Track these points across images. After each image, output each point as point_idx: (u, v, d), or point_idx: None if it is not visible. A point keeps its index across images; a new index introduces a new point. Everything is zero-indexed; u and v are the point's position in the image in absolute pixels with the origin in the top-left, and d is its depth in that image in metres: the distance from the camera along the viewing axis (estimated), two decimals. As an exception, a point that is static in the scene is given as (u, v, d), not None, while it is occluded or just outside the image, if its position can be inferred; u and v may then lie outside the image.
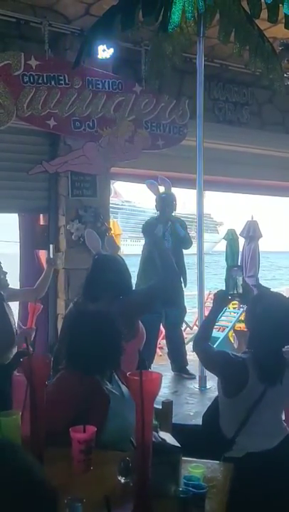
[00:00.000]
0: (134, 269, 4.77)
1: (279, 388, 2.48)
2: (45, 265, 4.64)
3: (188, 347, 5.43)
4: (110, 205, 6.25)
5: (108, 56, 5.35)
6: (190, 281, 5.56)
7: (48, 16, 5.25)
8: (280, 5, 4.37)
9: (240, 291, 2.74)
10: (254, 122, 7.07)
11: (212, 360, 2.66)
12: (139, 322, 3.04)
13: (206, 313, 4.12)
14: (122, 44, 5.46)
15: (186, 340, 5.81)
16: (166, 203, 5.48)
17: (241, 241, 7.81)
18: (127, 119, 5.66)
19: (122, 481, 1.79)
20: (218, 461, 2.15)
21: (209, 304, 5.91)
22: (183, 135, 5.95)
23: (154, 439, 1.80)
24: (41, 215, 5.95)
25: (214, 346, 3.04)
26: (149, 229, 3.14)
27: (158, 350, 5.98)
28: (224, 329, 7.05)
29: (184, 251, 5.54)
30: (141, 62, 5.77)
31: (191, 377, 5.23)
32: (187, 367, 5.41)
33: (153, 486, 1.65)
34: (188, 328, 7.31)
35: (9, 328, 3.69)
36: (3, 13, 5.19)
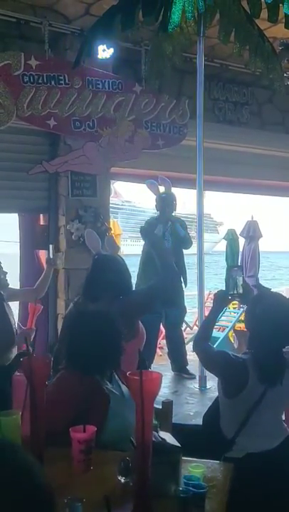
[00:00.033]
0: (134, 269, 4.76)
1: (279, 389, 2.48)
2: (45, 265, 4.65)
3: (189, 347, 5.43)
4: (110, 205, 6.25)
5: (108, 56, 5.34)
6: (190, 281, 5.56)
7: (48, 16, 5.25)
8: (280, 5, 4.37)
9: (241, 291, 2.74)
10: (254, 122, 7.07)
11: (212, 360, 2.66)
12: (139, 322, 3.04)
13: (206, 313, 4.12)
14: (122, 44, 5.46)
15: (186, 340, 5.81)
16: (166, 203, 5.48)
17: (241, 241, 7.81)
18: (127, 119, 5.66)
19: (122, 481, 1.79)
20: (218, 461, 2.15)
21: (209, 304, 5.91)
22: (183, 135, 5.95)
23: (154, 439, 1.80)
24: (41, 215, 5.95)
25: (214, 346, 3.04)
26: (146, 231, 3.13)
27: (158, 350, 5.98)
28: (224, 329, 7.05)
29: (184, 251, 5.54)
30: (141, 62, 5.77)
31: (191, 377, 5.23)
32: (187, 367, 5.41)
33: (153, 486, 1.64)
34: (188, 328, 7.31)
35: (9, 328, 3.69)
36: (3, 13, 5.19)
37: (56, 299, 5.74)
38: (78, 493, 1.63)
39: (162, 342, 6.25)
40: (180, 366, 5.44)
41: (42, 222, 5.95)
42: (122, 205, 53.58)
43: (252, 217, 7.88)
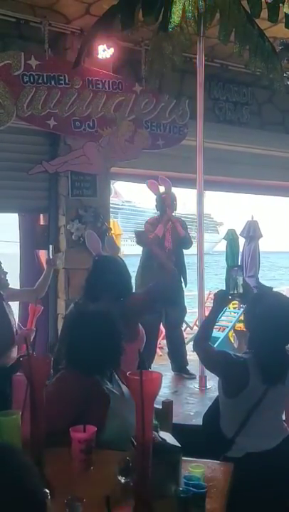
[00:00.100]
0: (134, 269, 4.77)
1: (280, 388, 2.48)
2: (45, 265, 4.65)
3: (189, 347, 5.43)
4: (110, 205, 6.25)
5: (108, 56, 5.35)
6: (190, 281, 5.56)
7: (48, 16, 5.25)
8: (280, 4, 4.37)
9: (241, 291, 2.74)
10: (254, 122, 7.07)
11: (213, 360, 2.66)
12: (139, 325, 3.04)
13: (206, 313, 4.12)
14: (122, 44, 5.46)
15: (186, 340, 5.81)
16: (166, 203, 5.48)
17: (241, 241, 7.81)
18: (127, 119, 5.65)
19: (122, 481, 1.79)
20: (218, 461, 2.15)
21: (209, 303, 5.91)
22: (183, 135, 5.95)
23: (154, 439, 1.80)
24: (41, 215, 5.95)
25: (214, 346, 3.04)
26: (140, 237, 3.13)
27: (158, 350, 5.98)
28: (224, 329, 7.05)
29: (184, 251, 5.54)
30: (141, 62, 5.77)
31: (191, 377, 5.23)
32: (187, 367, 5.41)
33: (153, 486, 1.64)
34: (188, 328, 7.31)
35: (9, 328, 3.70)
36: (3, 13, 5.19)
37: (56, 299, 5.74)
38: (78, 493, 1.63)
39: (162, 342, 6.25)
40: (180, 366, 5.44)
41: (42, 222, 5.95)
42: (122, 205, 53.56)
43: (252, 217, 7.88)
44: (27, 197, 5.73)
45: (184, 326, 6.38)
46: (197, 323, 6.17)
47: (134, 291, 3.37)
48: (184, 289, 5.52)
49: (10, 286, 4.00)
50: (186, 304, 5.68)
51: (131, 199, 56.83)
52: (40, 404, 1.81)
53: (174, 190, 5.69)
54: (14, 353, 3.72)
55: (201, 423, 2.76)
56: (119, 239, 8.39)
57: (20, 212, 5.92)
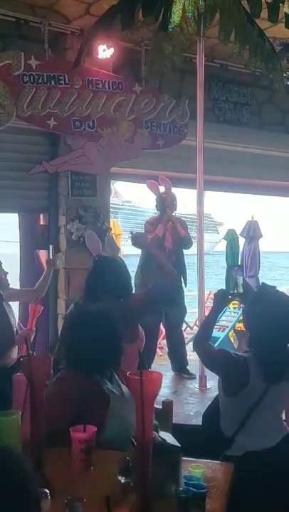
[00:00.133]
0: (134, 269, 4.77)
1: (281, 387, 2.48)
2: (45, 265, 4.65)
3: (189, 347, 5.43)
4: (110, 205, 6.25)
5: (108, 56, 5.35)
6: (190, 281, 5.56)
7: (47, 16, 5.25)
8: (280, 4, 4.37)
9: (241, 290, 2.74)
10: (254, 122, 7.07)
11: (213, 359, 2.66)
12: (139, 326, 3.04)
13: (206, 313, 4.12)
14: (122, 44, 5.46)
15: (186, 340, 5.81)
16: (166, 203, 5.48)
17: (241, 241, 7.81)
18: (127, 119, 5.66)
19: (122, 481, 1.79)
20: (218, 461, 2.16)
21: (209, 303, 5.91)
22: (183, 135, 5.95)
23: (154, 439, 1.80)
24: (41, 215, 5.95)
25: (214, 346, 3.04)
26: (137, 240, 3.13)
27: (158, 350, 5.99)
28: (224, 329, 7.05)
29: (184, 251, 5.54)
30: (141, 62, 5.77)
31: (192, 377, 5.24)
32: (187, 367, 5.41)
33: (153, 486, 1.64)
34: (188, 328, 7.31)
35: (9, 328, 3.70)
36: (3, 13, 5.20)
37: (56, 299, 5.74)
38: (78, 493, 1.63)
39: (162, 342, 6.25)
40: (180, 366, 5.44)
41: (42, 222, 5.95)
42: (122, 205, 53.51)
43: (252, 217, 7.89)
44: (27, 197, 5.73)
45: (184, 326, 6.39)
46: (197, 323, 6.18)
47: (133, 291, 3.37)
48: (184, 289, 5.52)
49: (10, 287, 4.00)
50: (186, 304, 5.68)
51: (131, 199, 56.79)
52: (40, 404, 1.81)
53: (174, 190, 5.69)
54: (14, 354, 3.72)
55: (201, 422, 2.76)
56: (119, 239, 8.39)
57: (21, 212, 5.92)
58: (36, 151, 5.66)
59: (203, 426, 2.72)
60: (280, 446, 2.45)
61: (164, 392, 4.63)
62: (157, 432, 2.21)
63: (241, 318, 6.47)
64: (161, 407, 2.58)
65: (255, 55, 4.60)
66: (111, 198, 6.57)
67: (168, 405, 2.63)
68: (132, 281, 3.36)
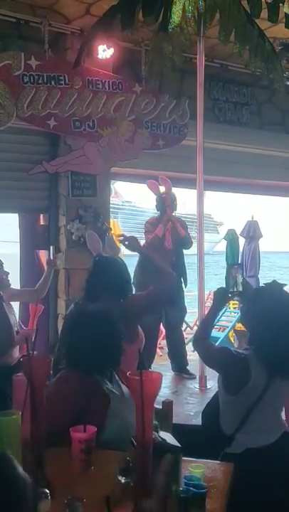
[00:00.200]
0: (134, 269, 4.77)
1: (281, 385, 2.48)
2: (45, 265, 4.65)
3: (189, 347, 5.43)
4: (110, 205, 6.26)
5: (108, 56, 5.35)
6: (190, 281, 5.56)
7: (48, 16, 5.25)
8: (280, 4, 4.37)
9: (240, 289, 2.74)
10: (254, 122, 7.07)
11: (214, 357, 2.66)
12: (138, 327, 3.04)
13: (206, 313, 4.12)
14: (122, 44, 5.46)
15: (186, 341, 5.81)
16: (166, 203, 5.48)
17: (241, 241, 7.81)
18: (127, 119, 5.66)
19: (122, 481, 1.79)
20: (218, 461, 2.16)
21: (209, 303, 5.91)
22: (183, 135, 5.95)
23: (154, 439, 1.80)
24: (41, 215, 5.95)
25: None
26: (130, 245, 3.14)
27: (158, 350, 5.99)
28: (224, 329, 7.05)
29: (184, 251, 5.54)
30: (141, 62, 5.77)
31: (192, 377, 5.24)
32: (187, 367, 5.41)
33: (153, 486, 1.64)
34: (188, 328, 7.31)
35: (8, 328, 3.70)
36: (3, 13, 5.20)
37: (56, 299, 5.74)
38: (78, 493, 1.63)
39: (162, 342, 6.25)
40: (180, 366, 5.44)
41: (42, 222, 5.96)
42: (122, 205, 53.47)
43: (252, 217, 7.88)
44: (27, 197, 5.73)
45: (184, 326, 6.39)
46: (197, 323, 6.18)
47: (133, 291, 3.37)
48: (184, 289, 5.52)
49: (11, 287, 4.01)
50: (186, 304, 5.68)
51: (131, 199, 56.74)
52: (40, 404, 1.81)
53: (174, 190, 5.69)
54: (16, 353, 3.73)
55: (201, 420, 2.76)
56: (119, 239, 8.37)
57: (21, 212, 5.93)
58: (36, 151, 5.66)
59: (203, 425, 2.72)
60: (279, 443, 2.45)
61: (164, 392, 4.63)
62: (157, 431, 2.21)
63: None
64: (161, 407, 2.58)
65: (255, 55, 4.60)
66: (111, 198, 6.58)
67: (168, 405, 2.63)
68: (131, 282, 3.36)
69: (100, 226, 5.62)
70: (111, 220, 6.52)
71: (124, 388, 2.31)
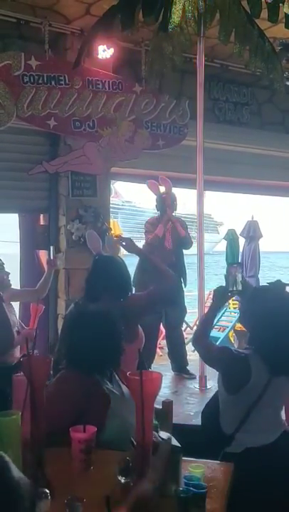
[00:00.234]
0: (134, 268, 4.76)
1: (281, 384, 2.48)
2: (45, 265, 4.66)
3: (189, 347, 5.43)
4: (110, 206, 6.26)
5: (108, 56, 5.35)
6: (190, 282, 5.56)
7: (48, 16, 5.25)
8: (280, 4, 4.37)
9: (240, 288, 2.74)
10: (254, 122, 7.07)
11: (214, 357, 2.66)
12: (138, 326, 3.04)
13: (206, 313, 4.11)
14: (122, 44, 5.47)
15: (186, 341, 5.81)
16: (166, 203, 5.48)
17: (241, 241, 7.81)
18: (127, 119, 5.66)
19: (122, 481, 1.79)
20: (218, 461, 2.16)
21: (209, 303, 5.90)
22: (183, 135, 5.95)
23: (154, 439, 1.80)
24: (41, 215, 5.95)
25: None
26: (128, 247, 3.16)
27: (158, 350, 5.99)
28: (224, 329, 7.06)
29: (184, 251, 5.54)
30: (141, 62, 5.77)
31: (192, 377, 5.24)
32: (187, 367, 5.41)
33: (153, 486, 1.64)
34: (188, 328, 7.32)
35: (8, 328, 3.70)
36: (3, 13, 5.20)
37: (56, 299, 5.74)
38: (78, 493, 1.63)
39: (162, 342, 6.25)
40: (180, 366, 5.44)
41: (42, 222, 5.96)
42: (122, 205, 53.47)
43: (252, 217, 7.88)
44: (27, 197, 5.73)
45: (184, 326, 6.39)
46: (197, 323, 6.17)
47: (133, 291, 3.37)
48: (184, 289, 5.52)
49: (12, 287, 4.02)
50: (186, 304, 5.68)
51: (131, 199, 56.75)
52: (40, 404, 1.81)
53: (174, 190, 5.69)
54: (18, 353, 3.73)
55: (200, 419, 2.76)
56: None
57: (21, 212, 5.93)
58: (36, 151, 5.66)
59: (203, 425, 2.72)
60: (278, 443, 2.46)
61: (164, 392, 4.63)
62: (157, 432, 2.22)
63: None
64: (161, 407, 2.58)
65: (255, 55, 4.60)
66: (111, 198, 6.58)
67: (168, 405, 2.63)
68: (131, 281, 3.36)
69: (100, 226, 5.62)
70: (111, 220, 6.52)
71: (124, 388, 2.31)
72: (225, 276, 2.77)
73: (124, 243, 3.12)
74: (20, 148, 5.58)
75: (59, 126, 5.34)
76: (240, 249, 7.78)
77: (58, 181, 5.74)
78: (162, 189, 5.60)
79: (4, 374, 3.23)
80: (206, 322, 2.87)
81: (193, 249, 5.23)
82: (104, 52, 5.31)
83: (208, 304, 6.11)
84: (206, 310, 4.32)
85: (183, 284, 5.42)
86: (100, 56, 5.32)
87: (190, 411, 4.31)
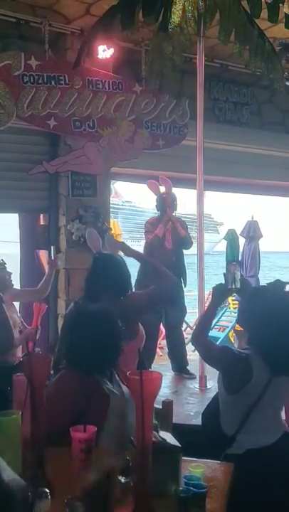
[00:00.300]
0: (134, 269, 4.76)
1: (281, 385, 2.48)
2: (45, 265, 4.66)
3: (189, 347, 5.43)
4: (110, 206, 6.26)
5: (108, 56, 5.35)
6: (190, 282, 5.56)
7: (48, 16, 5.25)
8: (280, 4, 4.38)
9: (239, 285, 2.73)
10: (254, 122, 7.07)
11: (215, 356, 2.65)
12: (139, 324, 3.04)
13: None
14: (122, 44, 5.46)
15: (186, 341, 5.81)
16: (166, 203, 5.48)
17: (241, 241, 7.80)
18: (127, 119, 5.66)
19: (122, 481, 1.79)
20: (218, 461, 2.16)
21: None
22: (183, 135, 5.95)
23: (154, 439, 1.80)
24: (41, 215, 5.95)
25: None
26: (125, 251, 3.17)
27: (158, 350, 5.98)
28: (224, 329, 7.06)
29: (184, 251, 5.54)
30: (141, 62, 5.77)
31: (192, 377, 5.23)
32: (187, 367, 5.41)
33: (153, 486, 1.64)
34: (188, 328, 7.31)
35: (8, 329, 3.70)
36: (3, 13, 5.20)
37: (57, 299, 5.74)
38: (78, 493, 1.63)
39: (162, 342, 6.25)
40: (180, 366, 5.43)
41: (42, 222, 5.96)
42: (122, 205, 53.53)
43: (252, 217, 7.88)
44: (27, 197, 5.73)
45: (184, 326, 6.39)
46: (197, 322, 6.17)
47: (133, 290, 3.37)
48: (184, 289, 5.52)
49: (14, 287, 4.04)
50: (186, 304, 5.68)
51: (131, 199, 56.81)
52: (41, 404, 1.81)
53: (174, 190, 5.69)
54: (19, 353, 3.73)
55: (201, 421, 2.76)
56: (119, 239, 8.38)
57: (21, 212, 5.93)
58: (36, 151, 5.66)
59: (203, 425, 2.72)
60: (279, 444, 2.46)
61: (164, 392, 4.63)
62: (157, 431, 2.22)
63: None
64: (161, 407, 2.58)
65: (255, 55, 4.60)
66: (111, 198, 6.58)
67: (168, 405, 2.63)
68: (133, 281, 3.36)
69: (100, 226, 5.62)
70: (111, 220, 6.52)
71: (125, 388, 2.31)
72: (224, 274, 2.76)
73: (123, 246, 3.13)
74: (20, 148, 5.58)
75: (59, 126, 5.34)
76: (240, 249, 7.77)
77: (58, 181, 5.74)
78: (162, 189, 5.60)
79: (5, 374, 3.24)
80: (205, 320, 2.87)
81: (193, 249, 5.22)
82: (104, 52, 5.31)
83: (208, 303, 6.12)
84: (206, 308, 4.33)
85: (183, 284, 5.42)
86: (100, 56, 5.31)
87: (190, 411, 4.31)
